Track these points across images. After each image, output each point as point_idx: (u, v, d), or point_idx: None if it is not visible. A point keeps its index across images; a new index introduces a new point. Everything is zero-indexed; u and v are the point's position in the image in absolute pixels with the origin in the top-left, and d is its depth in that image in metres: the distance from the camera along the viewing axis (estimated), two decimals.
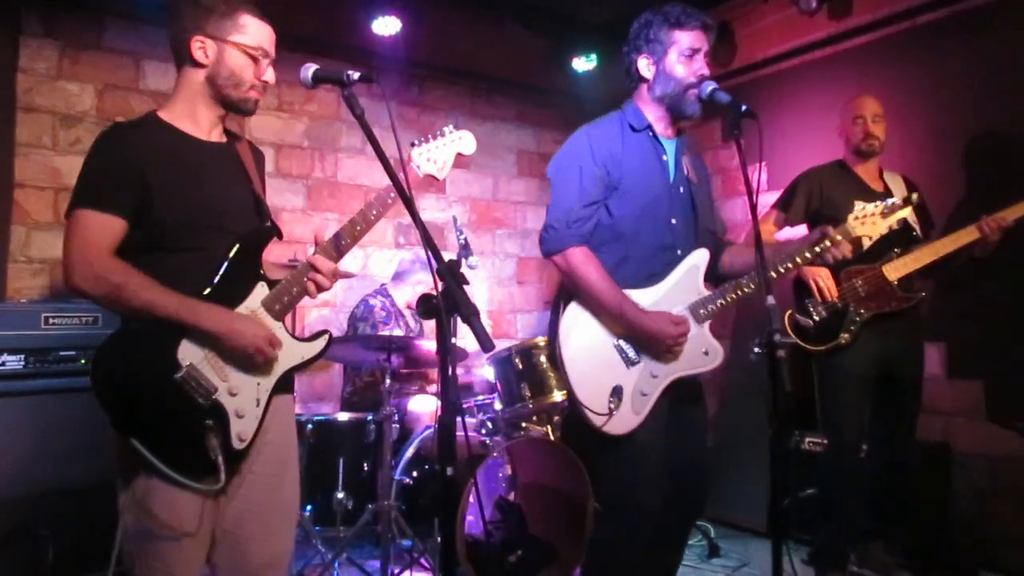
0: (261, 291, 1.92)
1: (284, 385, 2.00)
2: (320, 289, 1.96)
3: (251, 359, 1.86)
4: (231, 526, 1.91)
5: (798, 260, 2.41)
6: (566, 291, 2.47)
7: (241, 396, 1.86)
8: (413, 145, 2.19)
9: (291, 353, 1.96)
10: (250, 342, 1.83)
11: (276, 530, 1.98)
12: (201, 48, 1.89)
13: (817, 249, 2.38)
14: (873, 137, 3.41)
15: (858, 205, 2.49)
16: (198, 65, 1.91)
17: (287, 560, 2.05)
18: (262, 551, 1.94)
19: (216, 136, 2.00)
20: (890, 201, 2.47)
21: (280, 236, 2.06)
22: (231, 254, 1.89)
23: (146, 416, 1.76)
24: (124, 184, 1.80)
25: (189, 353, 1.80)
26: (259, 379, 1.90)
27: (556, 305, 2.50)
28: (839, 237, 2.38)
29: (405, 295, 4.31)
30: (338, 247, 2.01)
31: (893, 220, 2.46)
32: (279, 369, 1.94)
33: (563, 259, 2.37)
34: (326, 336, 2.02)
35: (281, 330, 1.95)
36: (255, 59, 1.92)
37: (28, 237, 3.99)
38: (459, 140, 2.25)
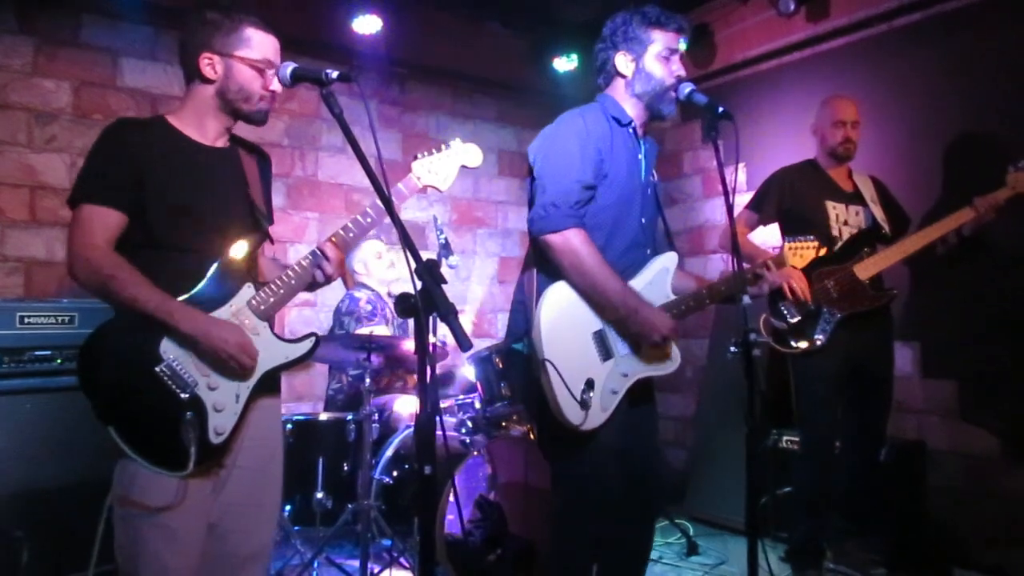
0: (247, 292, 1.96)
1: (270, 385, 2.03)
2: (326, 275, 2.01)
3: (225, 364, 1.89)
4: (215, 518, 1.95)
5: (733, 284, 2.38)
6: (544, 275, 2.39)
7: (221, 391, 1.90)
8: (416, 158, 2.21)
9: (274, 353, 1.99)
10: (223, 348, 1.87)
11: (259, 524, 2.04)
12: (209, 64, 1.95)
13: (754, 273, 2.52)
14: (851, 142, 3.46)
15: (794, 239, 2.67)
16: (207, 80, 1.97)
17: (267, 554, 2.10)
18: (245, 544, 2.01)
19: (221, 143, 2.05)
20: (815, 241, 2.69)
21: (272, 241, 2.12)
22: (220, 256, 1.94)
23: (125, 404, 1.83)
24: (122, 178, 1.87)
25: (172, 347, 1.86)
26: (240, 376, 1.94)
27: (520, 285, 2.47)
28: (773, 263, 2.55)
29: (366, 256, 4.31)
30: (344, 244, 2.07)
31: (814, 257, 2.70)
32: (261, 368, 1.96)
33: (562, 239, 2.26)
34: (312, 338, 2.05)
35: (266, 330, 1.98)
36: (261, 71, 1.97)
37: (3, 235, 3.93)
38: (464, 153, 2.26)
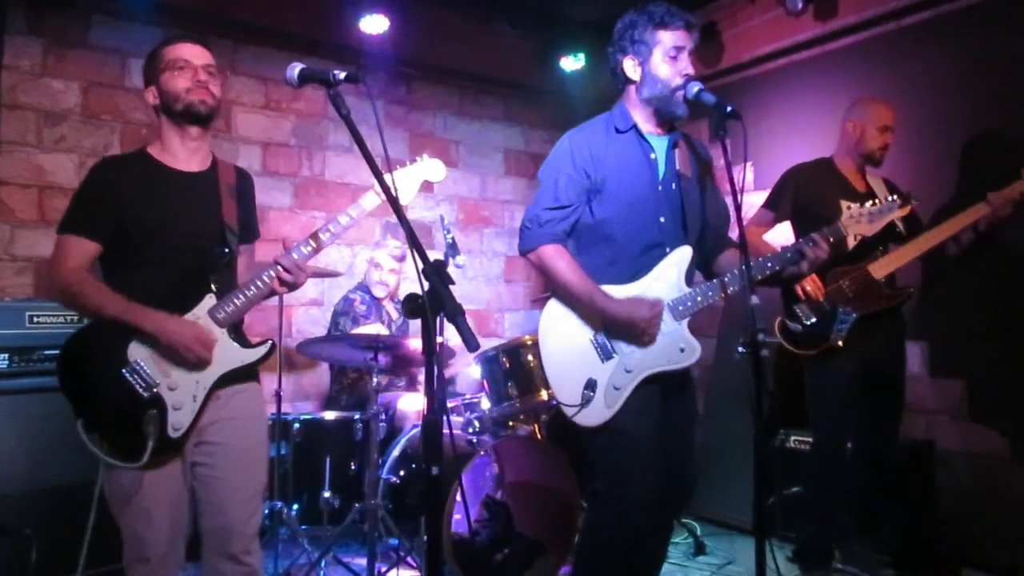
0: (209, 301, 2.16)
1: (240, 379, 2.22)
2: (284, 284, 2.17)
3: (184, 356, 2.08)
4: (203, 493, 2.17)
5: (778, 262, 2.43)
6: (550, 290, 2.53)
7: (180, 391, 2.10)
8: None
9: (231, 356, 2.18)
10: (179, 341, 2.06)
11: (246, 498, 2.20)
12: (151, 94, 2.20)
13: (798, 249, 2.40)
14: (887, 149, 3.43)
15: (853, 204, 2.53)
16: (155, 107, 2.21)
17: (255, 527, 2.23)
18: (233, 517, 2.16)
19: (196, 165, 2.25)
20: (890, 199, 2.54)
21: (234, 257, 2.26)
22: (184, 268, 2.15)
23: (94, 402, 2.06)
24: (99, 213, 2.12)
25: (137, 351, 2.08)
26: (198, 377, 2.13)
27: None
28: (821, 238, 2.41)
29: (381, 260, 4.35)
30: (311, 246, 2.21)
31: (889, 219, 2.52)
32: (217, 369, 2.15)
33: (536, 256, 2.45)
34: (269, 343, 2.24)
35: (224, 336, 2.17)
36: (177, 69, 2.16)
37: (12, 235, 3.96)
38: (427, 168, 2.40)
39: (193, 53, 2.19)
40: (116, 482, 2.09)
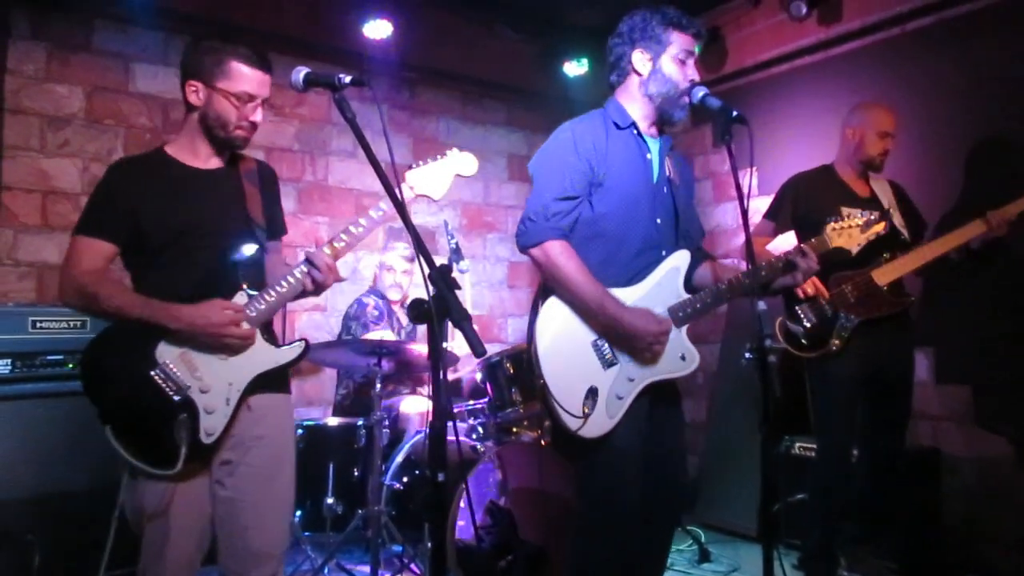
0: (240, 300, 2.07)
1: (273, 384, 2.13)
2: (315, 283, 2.08)
3: (224, 343, 2.01)
4: (225, 514, 2.07)
5: (765, 272, 2.41)
6: (544, 290, 2.41)
7: (212, 394, 2.01)
8: (411, 167, 2.27)
9: (264, 357, 2.09)
10: (210, 330, 1.98)
11: (272, 521, 2.12)
12: (194, 92, 2.10)
13: (790, 260, 2.40)
14: (887, 155, 3.43)
15: (841, 213, 2.54)
16: (192, 106, 2.11)
17: (282, 550, 2.16)
18: (259, 540, 2.08)
19: (215, 163, 2.18)
20: (867, 215, 2.55)
21: (263, 250, 2.19)
22: (213, 267, 2.08)
23: (122, 407, 1.97)
24: (115, 214, 2.05)
25: (166, 352, 2.00)
26: (231, 380, 2.04)
27: (535, 304, 2.43)
28: (810, 249, 2.41)
29: (392, 262, 4.36)
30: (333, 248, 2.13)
31: (870, 233, 2.53)
32: (251, 372, 2.06)
33: (541, 252, 2.30)
34: (302, 343, 2.14)
35: (256, 335, 2.09)
36: (239, 101, 2.08)
37: (15, 240, 3.96)
38: (458, 162, 2.30)
39: (261, 87, 2.11)
40: (140, 497, 2.01)
